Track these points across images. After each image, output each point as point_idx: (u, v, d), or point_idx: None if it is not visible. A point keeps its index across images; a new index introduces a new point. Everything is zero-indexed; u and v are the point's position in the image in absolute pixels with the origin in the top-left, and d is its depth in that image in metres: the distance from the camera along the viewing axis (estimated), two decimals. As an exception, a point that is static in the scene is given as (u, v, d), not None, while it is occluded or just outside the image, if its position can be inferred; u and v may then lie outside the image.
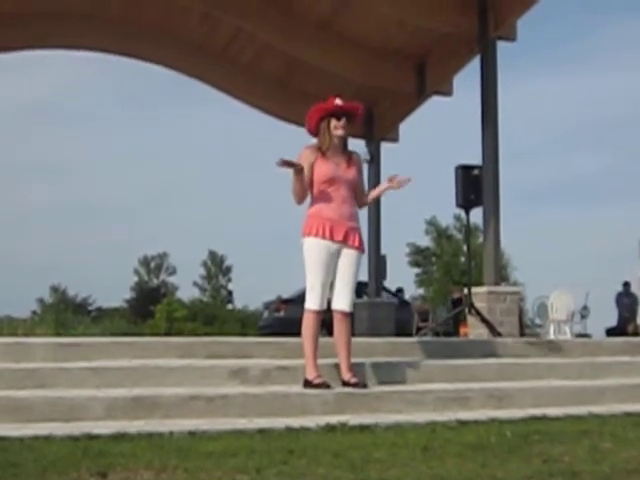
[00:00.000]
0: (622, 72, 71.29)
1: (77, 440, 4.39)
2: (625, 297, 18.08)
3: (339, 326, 5.98)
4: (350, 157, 6.11)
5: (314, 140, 6.17)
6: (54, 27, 14.26)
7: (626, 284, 18.20)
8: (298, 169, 5.86)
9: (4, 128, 74.04)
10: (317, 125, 6.10)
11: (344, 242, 5.97)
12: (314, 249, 5.93)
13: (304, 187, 6.00)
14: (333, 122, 6.03)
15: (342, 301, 6.00)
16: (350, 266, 6.04)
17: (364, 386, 5.85)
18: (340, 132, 6.03)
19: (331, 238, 5.91)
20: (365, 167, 13.85)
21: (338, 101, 6.07)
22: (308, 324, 5.92)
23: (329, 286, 5.96)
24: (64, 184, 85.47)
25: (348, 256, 6.02)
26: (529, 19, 12.09)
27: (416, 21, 12.97)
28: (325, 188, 5.99)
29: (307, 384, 5.78)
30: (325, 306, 5.96)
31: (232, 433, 4.73)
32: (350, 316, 6.04)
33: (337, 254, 5.97)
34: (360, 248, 6.10)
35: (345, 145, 6.15)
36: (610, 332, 17.10)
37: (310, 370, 5.83)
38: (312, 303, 5.92)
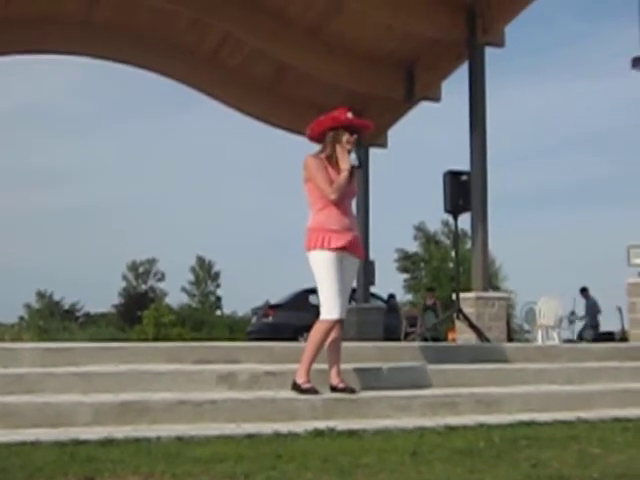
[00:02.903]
0: (612, 80, 71.47)
1: (64, 446, 4.37)
2: (585, 301, 18.25)
3: (334, 333, 5.97)
4: (352, 170, 6.10)
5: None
6: (44, 33, 14.29)
7: (583, 289, 18.45)
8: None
9: None
10: (322, 133, 6.11)
11: (347, 251, 5.98)
12: (323, 261, 5.91)
13: None
14: (346, 136, 6.03)
15: (342, 309, 5.97)
16: (351, 276, 6.14)
17: (352, 391, 5.85)
18: (350, 147, 6.04)
19: (336, 248, 5.91)
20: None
21: (350, 115, 6.08)
22: (321, 332, 5.86)
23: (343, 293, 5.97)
24: (53, 189, 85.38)
25: (350, 265, 6.06)
26: (518, 26, 12.16)
27: (405, 27, 13.03)
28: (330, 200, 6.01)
29: (295, 387, 5.77)
30: (344, 315, 5.96)
31: (220, 438, 4.72)
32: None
33: (342, 262, 5.97)
34: (362, 256, 6.22)
35: None
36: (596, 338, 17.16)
37: (302, 374, 5.82)
38: (330, 313, 5.86)
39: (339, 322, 5.96)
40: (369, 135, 6.58)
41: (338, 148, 6.03)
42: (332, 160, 6.05)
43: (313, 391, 5.71)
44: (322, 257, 5.92)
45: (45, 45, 14.72)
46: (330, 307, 5.87)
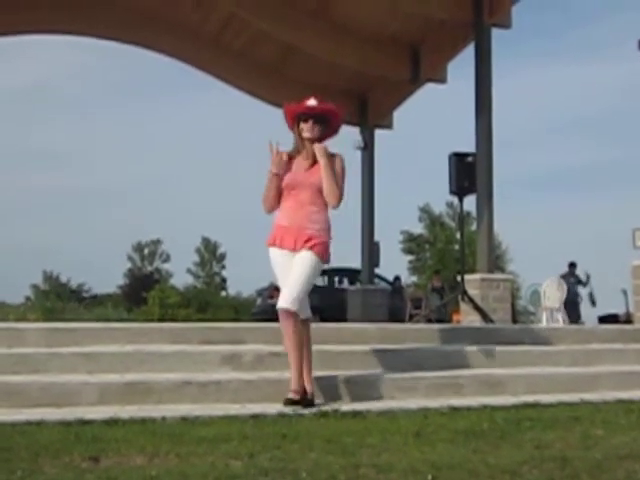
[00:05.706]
0: (621, 63, 71.01)
1: (70, 425, 4.39)
2: (571, 277, 17.65)
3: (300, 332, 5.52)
4: (316, 159, 5.68)
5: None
6: (50, 13, 14.23)
7: (572, 265, 17.96)
8: (273, 172, 5.65)
9: (2, 112, 73.93)
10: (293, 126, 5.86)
11: (294, 250, 5.57)
12: (271, 258, 5.68)
13: (276, 193, 5.70)
14: (301, 124, 5.78)
15: (282, 298, 5.48)
16: (297, 265, 5.51)
17: (309, 404, 5.32)
18: (307, 135, 5.74)
19: (281, 246, 5.61)
20: (359, 154, 13.74)
21: (310, 102, 5.83)
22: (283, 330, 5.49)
23: None
24: (60, 170, 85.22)
25: (297, 258, 5.54)
26: (525, 7, 12.09)
27: (410, 8, 12.94)
28: (287, 194, 5.68)
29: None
30: (287, 304, 5.38)
31: (225, 418, 4.74)
32: (296, 315, 5.44)
33: (290, 259, 5.58)
34: (312, 249, 5.54)
35: None
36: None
37: (292, 383, 5.38)
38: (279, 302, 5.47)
39: (283, 312, 5.43)
40: (339, 120, 6.06)
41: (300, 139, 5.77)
42: (295, 154, 5.76)
43: (290, 403, 5.21)
44: (269, 255, 5.69)
45: (51, 26, 14.68)
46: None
